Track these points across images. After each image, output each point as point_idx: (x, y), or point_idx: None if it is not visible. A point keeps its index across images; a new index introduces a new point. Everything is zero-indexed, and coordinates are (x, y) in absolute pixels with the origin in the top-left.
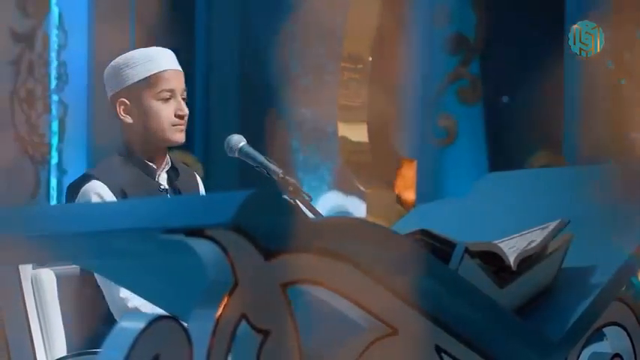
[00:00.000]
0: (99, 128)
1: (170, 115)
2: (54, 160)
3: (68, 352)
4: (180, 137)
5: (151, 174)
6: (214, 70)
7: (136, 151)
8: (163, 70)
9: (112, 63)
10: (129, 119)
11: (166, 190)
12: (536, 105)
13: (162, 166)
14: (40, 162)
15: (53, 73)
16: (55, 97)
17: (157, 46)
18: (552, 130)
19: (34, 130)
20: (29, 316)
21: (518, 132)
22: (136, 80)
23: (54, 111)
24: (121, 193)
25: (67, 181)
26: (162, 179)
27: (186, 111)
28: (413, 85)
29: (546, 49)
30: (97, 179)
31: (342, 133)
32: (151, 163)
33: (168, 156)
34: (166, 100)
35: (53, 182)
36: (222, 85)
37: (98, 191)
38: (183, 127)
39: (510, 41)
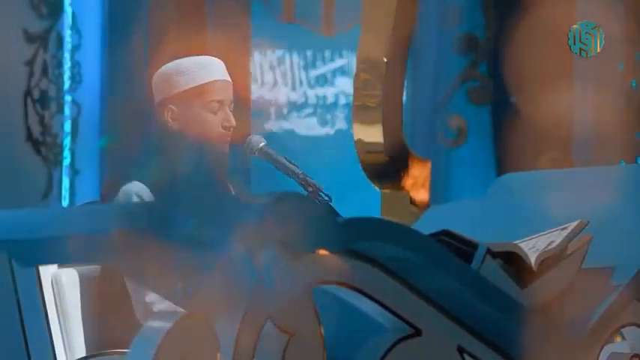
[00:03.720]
0: (112, 129)
1: (217, 125)
2: (66, 161)
3: (87, 352)
4: (224, 149)
5: None
6: None
7: (177, 157)
8: (214, 80)
9: (162, 69)
10: (176, 125)
11: None
12: (545, 105)
13: None
14: (53, 162)
15: (67, 73)
16: (68, 98)
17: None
18: (561, 131)
19: (47, 131)
20: (49, 316)
21: (527, 132)
22: (186, 87)
23: (67, 111)
24: None
25: (79, 181)
26: None
27: (233, 122)
28: (423, 85)
29: (555, 49)
30: (138, 181)
31: (358, 134)
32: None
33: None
34: (215, 110)
35: (66, 183)
36: None
37: (140, 192)
38: (229, 139)
39: (520, 41)
